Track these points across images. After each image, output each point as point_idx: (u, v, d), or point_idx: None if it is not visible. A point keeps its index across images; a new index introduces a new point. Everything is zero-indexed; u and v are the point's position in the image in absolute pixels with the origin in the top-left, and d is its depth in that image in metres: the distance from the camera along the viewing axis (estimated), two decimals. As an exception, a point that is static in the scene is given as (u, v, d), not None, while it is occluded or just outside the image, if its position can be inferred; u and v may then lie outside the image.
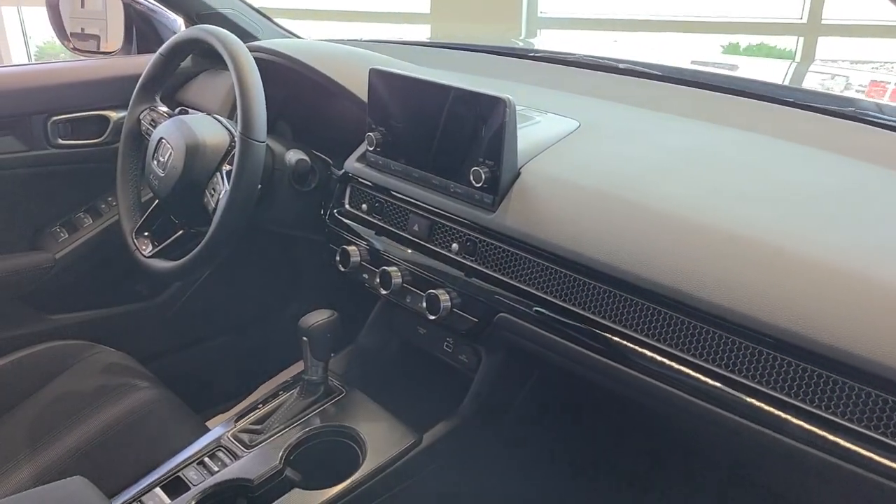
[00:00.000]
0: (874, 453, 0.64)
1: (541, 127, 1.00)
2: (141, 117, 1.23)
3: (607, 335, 0.80)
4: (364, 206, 1.07)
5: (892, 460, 0.64)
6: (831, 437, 0.66)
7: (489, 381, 0.99)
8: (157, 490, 0.92)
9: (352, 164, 1.08)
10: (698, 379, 0.73)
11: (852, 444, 0.65)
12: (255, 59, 1.08)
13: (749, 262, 0.72)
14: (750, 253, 0.72)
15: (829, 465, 0.67)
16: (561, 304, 0.84)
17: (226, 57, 1.06)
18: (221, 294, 1.43)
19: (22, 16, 4.13)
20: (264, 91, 1.05)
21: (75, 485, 0.83)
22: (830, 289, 0.67)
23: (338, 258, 1.06)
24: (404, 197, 1.01)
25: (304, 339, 1.01)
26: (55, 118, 1.36)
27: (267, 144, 1.08)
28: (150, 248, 1.18)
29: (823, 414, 0.66)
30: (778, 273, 0.70)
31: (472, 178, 0.90)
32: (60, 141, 1.38)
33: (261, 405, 1.04)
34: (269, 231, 1.17)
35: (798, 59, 3.94)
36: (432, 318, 0.93)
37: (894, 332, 0.63)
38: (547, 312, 0.85)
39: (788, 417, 0.68)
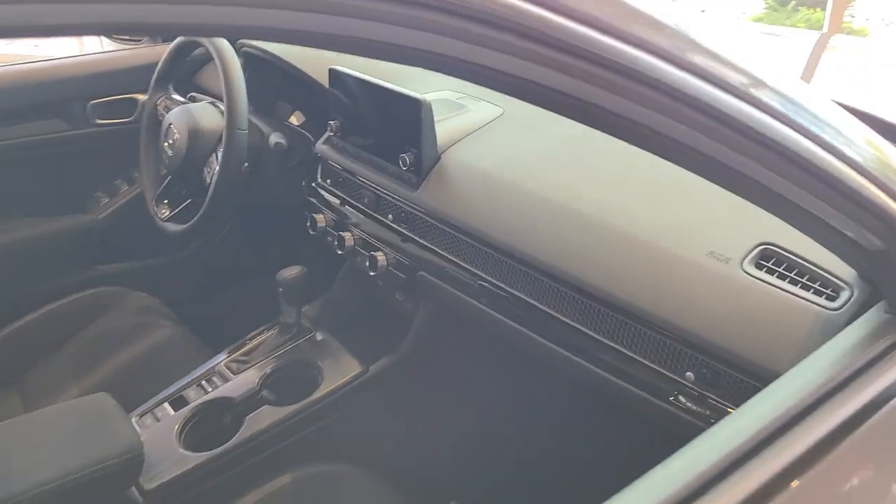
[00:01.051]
0: (660, 380, 0.85)
1: (468, 115, 1.20)
2: (157, 103, 1.48)
3: (499, 293, 1.01)
4: (329, 180, 1.30)
5: (671, 387, 0.84)
6: (630, 370, 0.87)
7: (424, 326, 1.23)
8: (166, 405, 1.20)
9: (319, 145, 1.31)
10: (563, 329, 0.95)
11: (645, 375, 0.86)
12: (248, 53, 1.30)
13: (596, 240, 0.92)
14: (597, 233, 0.92)
15: (630, 393, 0.88)
16: (467, 266, 1.05)
17: (214, 56, 1.28)
18: (230, 254, 1.69)
19: None
20: (262, 79, 1.26)
21: (99, 399, 1.11)
22: (641, 260, 0.87)
23: (308, 223, 1.30)
24: (357, 174, 1.23)
25: (280, 289, 1.26)
26: (93, 102, 1.63)
27: (259, 127, 1.31)
28: (167, 212, 1.44)
29: (629, 353, 0.87)
30: (611, 247, 0.90)
31: (400, 162, 1.12)
32: (98, 121, 1.64)
33: (248, 341, 1.30)
34: (262, 205, 1.42)
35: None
36: (372, 273, 1.16)
37: (673, 293, 0.83)
38: (456, 273, 1.07)
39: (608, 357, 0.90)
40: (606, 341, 0.89)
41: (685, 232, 0.87)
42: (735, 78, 0.50)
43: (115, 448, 0.99)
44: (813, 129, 0.54)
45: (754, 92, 0.51)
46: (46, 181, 1.63)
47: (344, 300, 1.38)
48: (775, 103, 0.52)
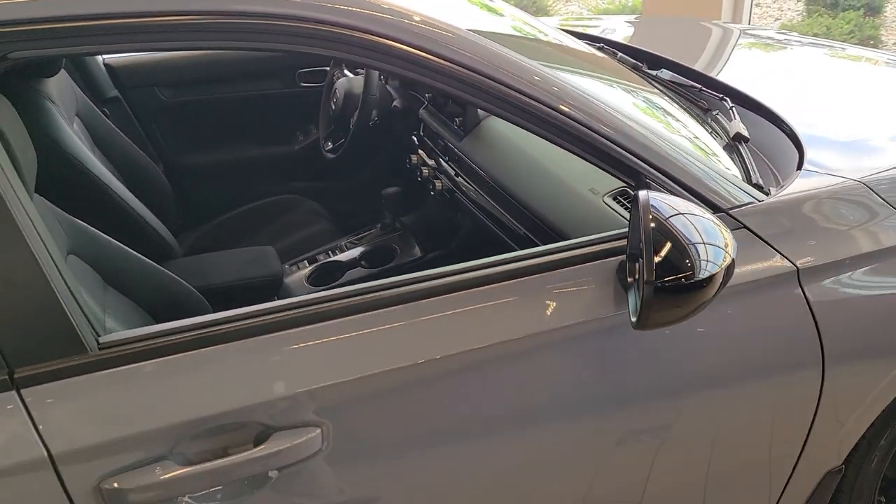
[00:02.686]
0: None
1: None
2: (334, 75, 2.21)
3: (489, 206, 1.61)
4: (423, 133, 1.95)
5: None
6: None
7: (463, 234, 1.84)
8: (305, 261, 1.93)
9: (420, 111, 1.96)
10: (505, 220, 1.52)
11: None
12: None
13: (540, 177, 1.48)
14: (541, 173, 1.48)
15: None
16: (480, 192, 1.66)
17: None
18: (359, 178, 2.36)
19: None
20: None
21: (266, 249, 1.85)
22: (557, 189, 1.43)
23: (406, 160, 1.96)
24: (434, 129, 1.87)
25: (383, 201, 1.94)
26: (300, 70, 2.41)
27: (390, 94, 2.00)
28: (330, 146, 2.17)
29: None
30: (544, 180, 1.46)
31: (455, 122, 1.73)
32: (302, 84, 2.42)
33: (362, 232, 2.00)
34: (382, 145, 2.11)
35: None
36: (432, 193, 1.80)
37: (561, 206, 1.38)
38: (476, 189, 1.67)
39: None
40: (519, 226, 1.46)
41: (580, 176, 1.40)
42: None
43: (266, 271, 1.73)
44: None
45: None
46: (266, 122, 2.45)
47: (424, 214, 2.03)
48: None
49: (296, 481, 1.02)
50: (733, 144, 1.46)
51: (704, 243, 1.02)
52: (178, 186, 2.23)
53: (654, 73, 1.89)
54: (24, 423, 0.90)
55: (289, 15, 1.02)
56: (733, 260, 1.03)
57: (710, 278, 0.99)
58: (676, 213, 1.03)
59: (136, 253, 1.47)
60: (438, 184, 1.79)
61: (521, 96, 1.08)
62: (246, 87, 2.37)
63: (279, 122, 2.44)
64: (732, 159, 1.41)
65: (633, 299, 1.03)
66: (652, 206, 1.01)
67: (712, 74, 1.89)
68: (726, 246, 1.04)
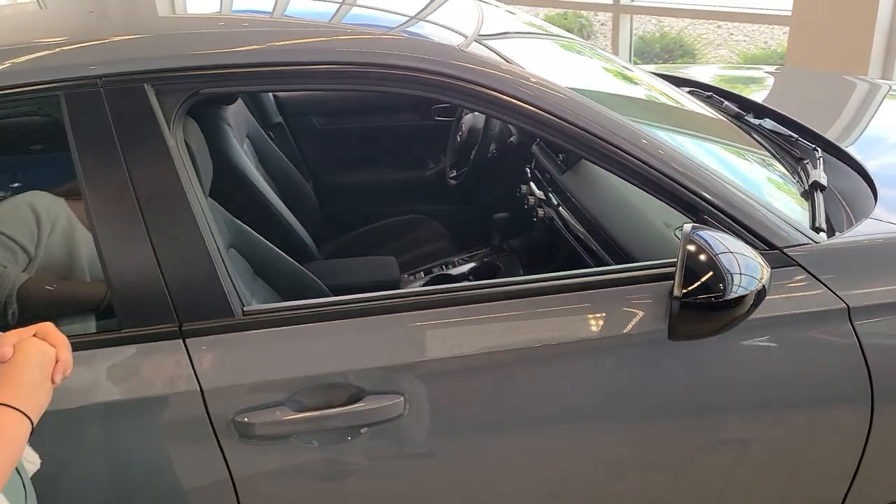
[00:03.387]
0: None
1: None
2: (462, 111, 2.49)
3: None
4: (534, 166, 2.18)
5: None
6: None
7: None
8: (420, 272, 2.20)
9: (533, 147, 2.18)
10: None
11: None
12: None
13: (622, 207, 1.67)
14: (622, 202, 1.66)
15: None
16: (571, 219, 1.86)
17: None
18: (476, 203, 2.60)
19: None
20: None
21: (388, 259, 2.14)
22: (639, 222, 1.60)
23: (517, 189, 2.19)
24: (542, 163, 2.08)
25: (493, 224, 2.17)
26: (436, 106, 2.71)
27: (509, 130, 2.24)
28: (454, 174, 2.44)
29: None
30: (627, 215, 1.64)
31: (559, 158, 1.95)
32: (436, 118, 2.72)
33: (474, 251, 2.24)
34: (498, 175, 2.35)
35: None
36: (535, 219, 2.02)
37: (640, 237, 1.56)
38: (571, 217, 1.87)
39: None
40: (602, 251, 1.64)
41: (657, 211, 1.57)
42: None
43: (386, 277, 2.01)
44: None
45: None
46: (402, 150, 2.76)
47: (528, 239, 2.24)
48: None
49: (379, 439, 1.26)
50: (810, 191, 1.58)
51: (741, 273, 1.18)
52: (323, 201, 2.58)
53: (756, 122, 2.02)
54: (186, 364, 1.20)
55: (430, 70, 1.28)
56: (764, 287, 1.18)
57: (740, 300, 1.15)
58: (721, 245, 1.19)
59: (282, 252, 1.79)
60: (541, 211, 2.00)
61: (608, 146, 1.28)
62: (387, 119, 2.70)
63: (413, 151, 2.74)
64: (809, 204, 1.54)
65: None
66: (697, 235, 1.18)
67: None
68: (761, 277, 1.20)
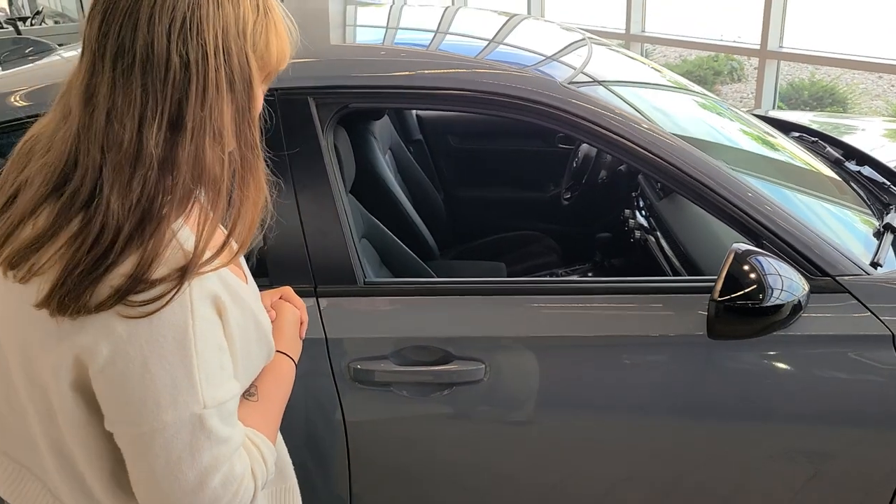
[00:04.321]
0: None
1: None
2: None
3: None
4: (639, 194, 2.38)
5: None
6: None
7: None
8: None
9: (639, 177, 2.39)
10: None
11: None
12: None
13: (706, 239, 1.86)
14: (709, 236, 1.86)
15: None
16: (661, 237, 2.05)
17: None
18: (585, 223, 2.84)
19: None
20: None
21: (498, 265, 2.41)
22: (712, 245, 1.79)
23: (622, 213, 2.40)
24: (644, 191, 2.29)
25: (596, 245, 2.40)
26: (559, 134, 2.96)
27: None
28: (569, 195, 2.68)
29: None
30: (711, 246, 1.83)
31: (658, 186, 2.15)
32: (560, 145, 2.97)
33: (574, 265, 2.48)
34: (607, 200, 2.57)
35: None
36: (632, 241, 2.23)
37: (715, 263, 1.75)
38: (660, 240, 2.07)
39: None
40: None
41: (734, 237, 1.75)
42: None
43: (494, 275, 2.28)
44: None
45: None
46: (526, 171, 3.03)
47: (626, 258, 2.44)
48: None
49: (459, 398, 1.54)
50: (882, 231, 1.71)
51: (781, 289, 1.36)
52: (451, 213, 2.90)
53: (856, 168, 2.14)
54: (316, 317, 1.53)
55: (553, 105, 1.55)
56: (800, 302, 1.36)
57: (777, 308, 1.34)
58: (767, 262, 1.38)
59: (407, 249, 2.11)
60: (638, 234, 2.21)
61: (697, 183, 1.51)
62: (515, 143, 2.98)
63: (535, 174, 3.01)
64: (880, 242, 1.67)
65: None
66: (744, 251, 1.37)
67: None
68: (802, 292, 1.37)
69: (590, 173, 2.54)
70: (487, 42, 2.04)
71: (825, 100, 6.49)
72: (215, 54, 0.79)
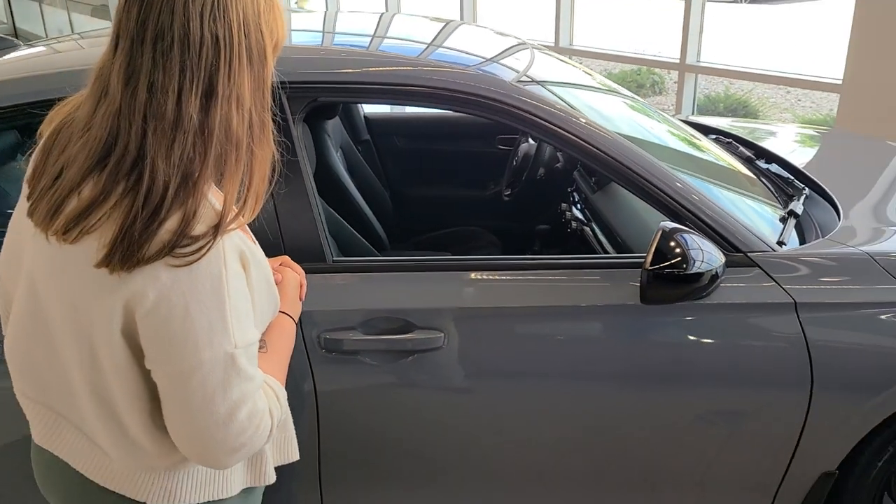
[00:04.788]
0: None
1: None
2: (521, 139, 2.94)
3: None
4: (574, 188, 2.60)
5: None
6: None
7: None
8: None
9: (575, 172, 2.60)
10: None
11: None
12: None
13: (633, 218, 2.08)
14: (637, 215, 2.08)
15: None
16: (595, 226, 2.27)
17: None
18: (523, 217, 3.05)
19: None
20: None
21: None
22: (640, 228, 2.01)
23: (559, 207, 2.61)
24: (579, 185, 2.50)
25: (537, 236, 2.60)
26: (499, 136, 3.16)
27: (557, 157, 2.68)
28: (509, 192, 2.88)
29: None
30: (638, 225, 2.05)
31: (591, 179, 2.37)
32: (500, 146, 3.17)
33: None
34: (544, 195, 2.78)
35: None
36: (568, 231, 2.43)
37: (644, 237, 1.97)
38: (594, 228, 2.29)
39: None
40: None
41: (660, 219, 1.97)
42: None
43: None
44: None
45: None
46: (468, 171, 3.22)
47: (564, 248, 2.65)
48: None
49: (422, 364, 1.70)
50: (786, 217, 1.96)
51: (703, 261, 1.58)
52: (398, 209, 3.06)
53: (766, 166, 2.41)
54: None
55: (481, 94, 1.73)
56: (717, 272, 1.58)
57: (698, 276, 1.55)
58: (690, 238, 1.59)
59: (363, 239, 2.25)
60: (574, 224, 2.42)
61: (632, 173, 1.71)
62: (457, 144, 3.17)
63: (477, 172, 3.20)
64: (784, 226, 1.92)
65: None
66: (671, 228, 1.58)
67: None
68: (719, 263, 1.60)
69: (528, 171, 2.74)
70: (426, 45, 2.21)
71: (739, 111, 6.95)
72: (238, 31, 0.93)
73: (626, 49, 6.50)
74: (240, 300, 0.97)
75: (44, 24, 10.15)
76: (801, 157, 2.65)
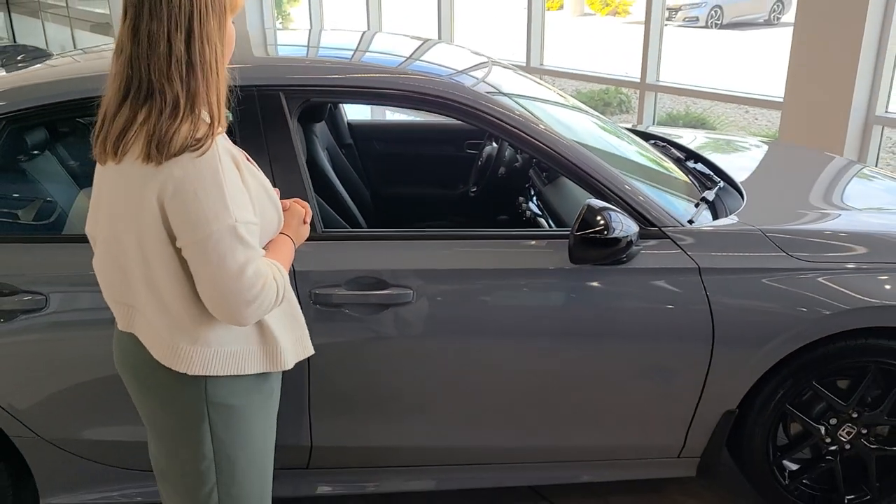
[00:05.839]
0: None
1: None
2: (487, 142, 3.33)
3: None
4: (530, 185, 2.99)
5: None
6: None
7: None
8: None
9: (530, 171, 3.00)
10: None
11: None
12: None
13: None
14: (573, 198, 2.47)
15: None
16: (546, 213, 2.66)
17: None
18: (484, 212, 3.44)
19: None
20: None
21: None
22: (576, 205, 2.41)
23: (517, 200, 3.00)
24: (533, 181, 2.90)
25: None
26: (468, 140, 3.55)
27: (517, 157, 3.07)
28: (475, 189, 3.27)
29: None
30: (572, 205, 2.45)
31: (545, 177, 2.76)
32: (468, 151, 3.56)
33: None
34: (504, 190, 3.18)
35: None
36: (524, 219, 2.82)
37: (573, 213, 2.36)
38: (547, 216, 2.68)
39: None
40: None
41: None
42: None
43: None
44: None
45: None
46: (439, 172, 3.60)
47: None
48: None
49: (396, 316, 2.07)
50: (699, 203, 2.37)
51: (621, 230, 1.97)
52: (376, 206, 3.43)
53: (690, 164, 2.82)
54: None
55: (445, 97, 2.12)
56: (632, 239, 1.98)
57: (616, 240, 1.95)
58: (611, 212, 1.98)
59: (343, 221, 2.63)
60: (529, 214, 2.81)
61: (576, 167, 2.12)
62: (431, 148, 3.56)
63: (448, 173, 3.58)
64: (697, 209, 2.32)
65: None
66: (596, 204, 1.98)
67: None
68: (633, 232, 1.99)
69: (491, 170, 3.14)
70: (404, 58, 2.61)
71: (696, 127, 7.42)
72: None
73: (593, 69, 6.96)
74: (234, 187, 1.33)
75: (45, 39, 10.42)
76: (737, 160, 3.07)
